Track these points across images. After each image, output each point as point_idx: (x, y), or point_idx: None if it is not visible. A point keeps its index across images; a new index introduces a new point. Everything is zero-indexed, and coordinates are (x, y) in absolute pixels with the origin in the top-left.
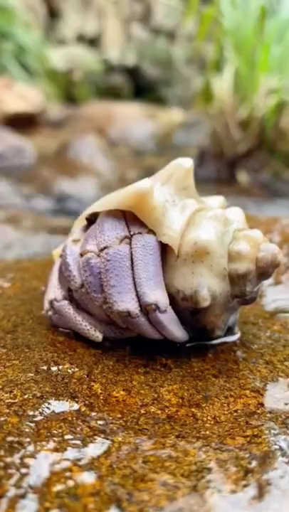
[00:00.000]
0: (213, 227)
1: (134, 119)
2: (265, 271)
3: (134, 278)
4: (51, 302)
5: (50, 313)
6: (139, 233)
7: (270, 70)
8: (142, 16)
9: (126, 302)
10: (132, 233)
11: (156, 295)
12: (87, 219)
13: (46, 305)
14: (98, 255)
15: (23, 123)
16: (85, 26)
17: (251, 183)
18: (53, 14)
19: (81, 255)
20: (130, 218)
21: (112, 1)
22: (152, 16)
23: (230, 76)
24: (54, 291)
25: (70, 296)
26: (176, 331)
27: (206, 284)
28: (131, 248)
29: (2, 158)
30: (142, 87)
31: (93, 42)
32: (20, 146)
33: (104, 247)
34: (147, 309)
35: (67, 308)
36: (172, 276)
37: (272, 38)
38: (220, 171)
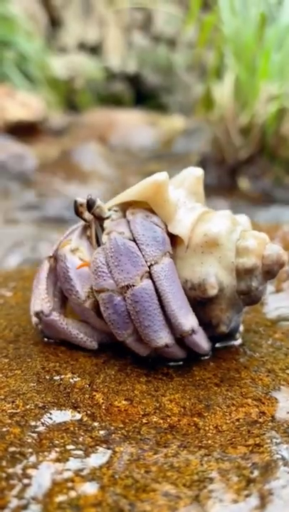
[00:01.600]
0: (223, 223)
1: (135, 126)
2: (270, 269)
3: (164, 310)
4: (38, 315)
5: (39, 326)
6: (156, 263)
7: (270, 76)
8: (142, 24)
9: (163, 338)
10: (148, 263)
11: (190, 321)
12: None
13: (34, 318)
14: (120, 293)
15: (24, 131)
16: (86, 34)
17: (252, 189)
18: (55, 23)
19: (97, 291)
20: None
21: (112, 9)
22: (153, 23)
23: (231, 83)
24: (41, 303)
25: (62, 303)
26: (205, 344)
27: (214, 273)
28: (153, 281)
29: (4, 165)
30: (143, 95)
31: (94, 50)
32: (21, 154)
33: (127, 286)
34: (183, 335)
35: (59, 322)
36: (181, 267)
37: (273, 45)
38: (221, 178)
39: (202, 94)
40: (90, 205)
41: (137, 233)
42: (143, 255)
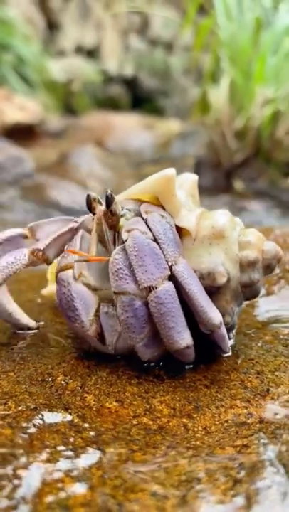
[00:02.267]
0: (226, 219)
1: (132, 130)
2: (270, 263)
3: (188, 308)
4: None
5: None
6: (176, 263)
7: (265, 80)
8: (139, 28)
9: (186, 339)
10: (170, 263)
11: (218, 314)
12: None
13: None
14: (140, 296)
15: (22, 134)
16: (83, 38)
17: (248, 191)
18: (52, 26)
19: (116, 293)
20: None
21: (110, 13)
22: (150, 27)
23: (227, 87)
24: None
25: None
26: (227, 341)
27: (222, 263)
28: (178, 279)
29: (1, 168)
30: (140, 98)
31: (92, 53)
32: (19, 157)
33: (150, 288)
34: (213, 329)
35: None
36: (188, 258)
37: (268, 49)
38: (217, 180)
39: (198, 97)
40: (110, 200)
41: (158, 232)
42: (164, 255)
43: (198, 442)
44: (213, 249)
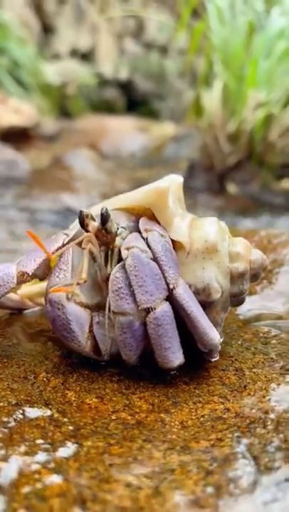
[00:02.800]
0: (216, 230)
1: (126, 133)
2: (257, 272)
3: (187, 329)
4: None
5: None
6: (176, 285)
7: (258, 84)
8: (134, 31)
9: (180, 358)
10: (171, 286)
11: (217, 334)
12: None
13: None
14: (138, 316)
15: (17, 137)
16: (78, 41)
17: (240, 194)
18: (47, 29)
19: (115, 313)
20: None
21: (105, 16)
22: (145, 30)
23: (219, 90)
24: None
25: None
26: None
27: (215, 278)
28: (179, 302)
29: None
30: (135, 101)
31: (87, 56)
32: (13, 160)
33: (149, 309)
34: (213, 349)
35: None
36: (183, 273)
37: (260, 53)
38: (210, 183)
39: (192, 101)
40: (105, 218)
41: (159, 253)
42: (166, 277)
43: (174, 436)
44: (206, 263)
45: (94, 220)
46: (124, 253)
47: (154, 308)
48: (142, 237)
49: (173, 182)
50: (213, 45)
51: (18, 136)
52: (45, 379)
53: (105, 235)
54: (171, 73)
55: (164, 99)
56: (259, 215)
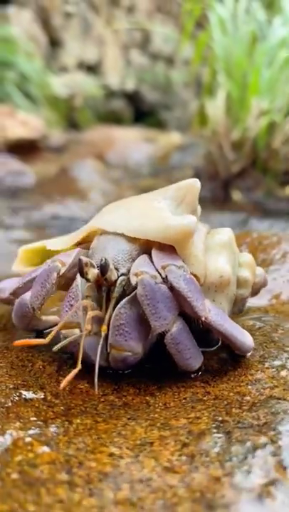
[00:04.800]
0: (229, 260)
1: (133, 143)
2: (256, 291)
3: (225, 341)
4: None
5: None
6: (206, 316)
7: (260, 92)
8: (140, 43)
9: (200, 362)
10: (203, 318)
11: (249, 337)
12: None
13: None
14: (134, 353)
15: (25, 149)
16: (85, 54)
17: (245, 201)
18: (54, 43)
19: (111, 345)
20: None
21: (111, 29)
22: (151, 42)
23: (223, 99)
24: None
25: None
26: None
27: (223, 308)
28: (212, 326)
29: (2, 181)
30: (142, 112)
31: (93, 69)
32: (20, 171)
33: (164, 332)
34: (249, 351)
35: None
36: None
37: (262, 62)
38: (215, 191)
39: (197, 110)
40: (105, 269)
41: (184, 290)
42: (196, 311)
43: (156, 415)
44: (217, 296)
45: (93, 267)
46: (133, 279)
47: (170, 330)
48: (162, 277)
49: (190, 191)
50: (216, 55)
51: (26, 148)
52: (41, 367)
53: (106, 283)
54: (177, 83)
55: (171, 109)
56: (263, 220)
